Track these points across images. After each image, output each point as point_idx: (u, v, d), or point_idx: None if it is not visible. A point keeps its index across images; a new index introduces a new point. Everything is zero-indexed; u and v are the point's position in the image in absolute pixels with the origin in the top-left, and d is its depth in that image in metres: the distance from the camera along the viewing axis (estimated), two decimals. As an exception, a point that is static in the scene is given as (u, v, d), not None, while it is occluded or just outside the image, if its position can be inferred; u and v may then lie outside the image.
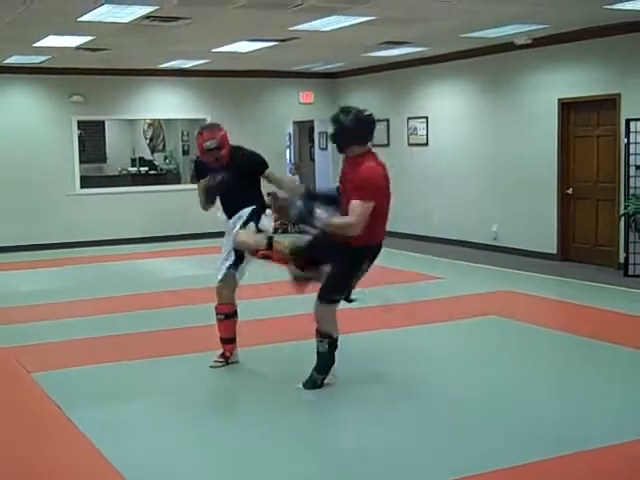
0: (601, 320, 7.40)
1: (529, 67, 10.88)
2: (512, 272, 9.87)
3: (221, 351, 5.90)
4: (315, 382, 5.34)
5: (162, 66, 12.92)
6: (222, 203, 5.91)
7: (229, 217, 5.86)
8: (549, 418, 4.76)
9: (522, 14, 8.71)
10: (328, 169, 15.42)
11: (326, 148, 15.59)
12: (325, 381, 5.37)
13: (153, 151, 18.11)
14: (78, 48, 10.32)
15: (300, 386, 5.34)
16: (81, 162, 13.53)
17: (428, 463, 4.16)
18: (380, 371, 5.77)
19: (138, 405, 5.18)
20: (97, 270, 10.90)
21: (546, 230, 10.70)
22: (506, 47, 10.77)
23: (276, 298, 8.01)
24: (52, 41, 9.71)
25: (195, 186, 5.96)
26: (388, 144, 13.74)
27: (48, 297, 8.81)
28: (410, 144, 13.25)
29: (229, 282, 5.79)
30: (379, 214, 5.06)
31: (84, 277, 10.35)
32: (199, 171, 6.00)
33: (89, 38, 9.58)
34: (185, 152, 16.90)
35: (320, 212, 5.07)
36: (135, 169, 16.94)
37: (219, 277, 5.80)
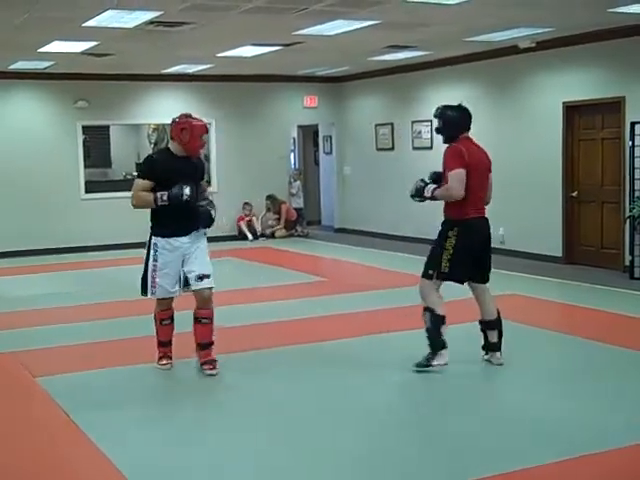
0: (607, 323, 7.39)
1: (533, 70, 10.87)
2: (517, 275, 9.85)
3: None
4: (426, 361, 5.61)
5: (166, 71, 12.95)
6: (176, 217, 5.59)
7: (186, 234, 5.65)
8: (554, 421, 4.74)
9: (526, 18, 8.71)
10: (332, 173, 15.44)
11: (331, 152, 15.60)
12: (435, 363, 5.60)
13: (158, 156, 18.10)
14: (83, 53, 10.35)
15: (414, 367, 5.60)
16: (86, 167, 13.58)
17: (433, 466, 4.15)
18: (386, 373, 5.76)
19: (144, 409, 5.18)
20: (102, 275, 10.91)
21: (551, 233, 10.68)
22: (510, 51, 10.78)
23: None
24: (57, 46, 9.75)
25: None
26: (392, 148, 13.75)
27: (53, 301, 8.81)
28: (414, 148, 13.24)
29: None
30: (475, 187, 5.74)
31: (89, 281, 10.36)
32: (153, 171, 5.59)
33: (94, 43, 9.61)
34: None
35: (431, 186, 5.86)
36: (140, 174, 16.93)
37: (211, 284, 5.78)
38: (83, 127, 13.42)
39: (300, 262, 11.34)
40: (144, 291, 5.84)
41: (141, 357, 6.35)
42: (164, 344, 5.92)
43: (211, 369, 5.71)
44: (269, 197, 14.45)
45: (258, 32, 9.22)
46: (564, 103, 10.40)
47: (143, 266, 5.81)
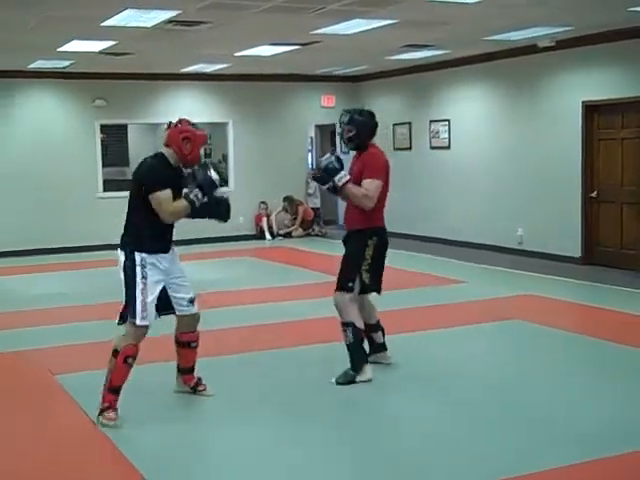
0: (626, 324, 7.33)
1: (552, 70, 10.81)
2: (536, 276, 9.80)
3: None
4: (351, 378, 5.41)
5: (184, 70, 12.98)
6: (166, 230, 5.17)
7: (168, 250, 5.17)
8: (574, 423, 4.71)
9: (545, 17, 8.66)
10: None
11: (348, 152, 15.56)
12: (358, 379, 5.42)
13: (175, 155, 18.17)
14: (101, 53, 10.39)
15: (332, 381, 5.41)
16: (104, 166, 13.62)
17: (463, 466, 4.14)
18: (403, 375, 5.74)
19: (162, 407, 5.18)
20: (120, 273, 10.92)
21: (570, 234, 10.61)
22: (529, 50, 10.71)
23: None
24: (76, 46, 9.78)
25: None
26: (410, 147, 13.71)
27: (72, 299, 8.86)
28: (432, 147, 13.20)
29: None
30: (382, 197, 5.58)
31: (108, 279, 10.33)
32: (164, 178, 5.02)
33: (112, 43, 9.64)
34: (207, 155, 16.92)
35: (345, 173, 5.45)
36: (157, 173, 16.98)
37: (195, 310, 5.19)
38: (101, 126, 13.48)
39: (319, 261, 11.35)
40: (132, 316, 4.97)
41: (160, 355, 6.35)
42: (117, 390, 4.86)
43: (205, 389, 5.35)
44: (286, 198, 14.45)
45: (276, 31, 9.22)
46: (583, 102, 10.33)
47: (125, 288, 5.14)
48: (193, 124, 5.21)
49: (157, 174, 5.01)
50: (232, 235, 13.70)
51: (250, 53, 10.89)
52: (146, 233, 5.06)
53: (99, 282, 10.22)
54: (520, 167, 11.50)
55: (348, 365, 5.49)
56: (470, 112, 12.40)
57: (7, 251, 12.41)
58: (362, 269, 5.46)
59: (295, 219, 14.55)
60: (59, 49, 10.04)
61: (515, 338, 6.91)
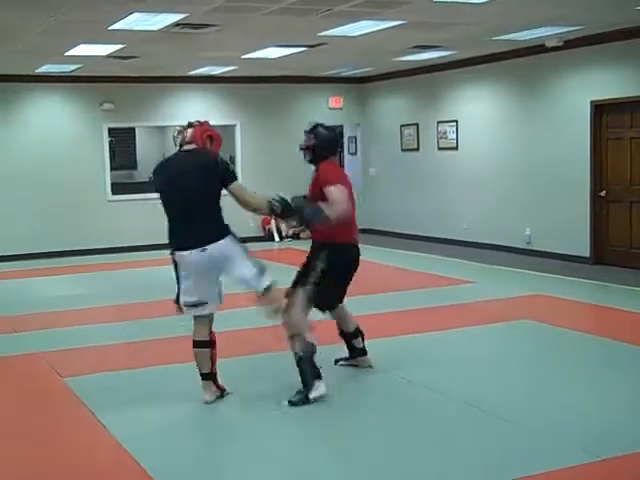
0: (636, 324, 7.31)
1: (561, 69, 10.78)
2: (545, 276, 9.77)
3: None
4: (303, 397, 5.07)
5: (192, 73, 13.00)
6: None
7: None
8: (584, 422, 4.70)
9: (554, 16, 8.63)
10: (357, 174, 15.41)
11: (356, 153, 15.57)
12: (312, 396, 5.07)
13: (183, 157, 18.20)
14: (109, 56, 10.41)
15: (288, 405, 5.07)
16: (112, 169, 13.65)
17: (478, 466, 4.13)
18: (413, 375, 5.73)
19: (171, 410, 5.18)
20: (129, 276, 10.97)
21: (579, 233, 10.58)
22: (537, 49, 10.69)
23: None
24: (83, 50, 9.80)
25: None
26: (418, 148, 13.69)
27: (80, 302, 8.88)
28: (440, 148, 13.18)
29: None
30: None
31: (116, 283, 10.42)
32: None
33: (119, 46, 9.66)
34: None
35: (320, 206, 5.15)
36: (165, 175, 17.01)
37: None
38: (109, 129, 13.51)
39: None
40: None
41: (168, 358, 6.37)
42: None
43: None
44: (293, 199, 14.41)
45: (283, 33, 9.22)
46: (592, 102, 10.30)
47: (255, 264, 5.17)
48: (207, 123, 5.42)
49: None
50: (241, 237, 13.68)
51: (257, 55, 10.90)
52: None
53: (109, 285, 10.27)
54: (529, 167, 11.48)
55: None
56: (478, 113, 12.38)
57: (18, 254, 12.44)
58: (310, 282, 5.23)
59: (302, 220, 14.53)
60: (66, 53, 10.06)
61: (524, 338, 6.89)
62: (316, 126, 5.64)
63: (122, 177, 15.91)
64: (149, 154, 17.96)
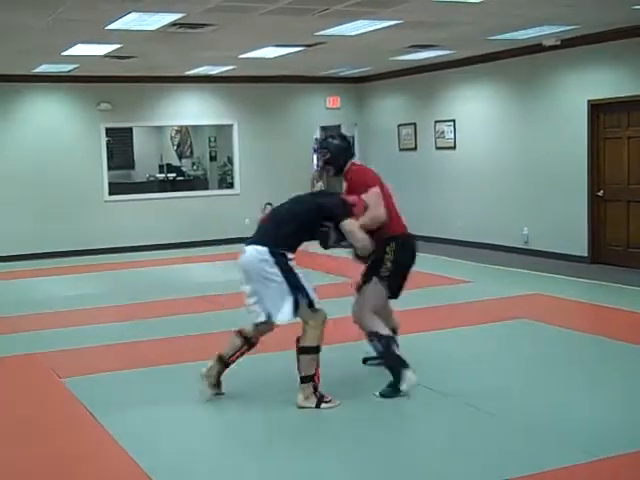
0: (633, 323, 7.31)
1: (558, 69, 10.79)
2: (542, 275, 9.78)
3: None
4: (392, 393, 5.20)
5: (189, 73, 12.99)
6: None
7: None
8: (581, 422, 4.70)
9: (551, 16, 8.64)
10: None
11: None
12: (404, 387, 5.18)
13: (181, 157, 18.22)
14: (106, 56, 10.40)
15: (377, 396, 5.20)
16: (109, 169, 13.63)
17: (454, 467, 4.13)
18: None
19: (170, 410, 5.18)
20: (126, 276, 10.96)
21: (577, 233, 10.59)
22: (534, 49, 10.69)
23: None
24: (80, 49, 9.79)
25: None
26: (415, 148, 13.70)
27: (78, 303, 8.87)
28: (437, 148, 13.19)
29: None
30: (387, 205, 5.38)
31: (114, 283, 10.42)
32: None
33: (117, 46, 9.65)
34: (212, 158, 16.96)
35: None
36: (163, 175, 17.04)
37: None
38: (106, 129, 13.49)
39: (324, 262, 11.33)
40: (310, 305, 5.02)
41: (166, 358, 6.37)
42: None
43: None
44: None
45: (280, 33, 9.22)
46: (589, 101, 10.30)
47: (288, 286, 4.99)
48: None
49: None
50: (238, 237, 13.70)
51: (255, 55, 10.90)
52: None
53: (107, 285, 10.27)
54: (526, 166, 11.49)
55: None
56: (475, 112, 12.39)
57: (14, 255, 12.44)
58: (381, 275, 5.34)
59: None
60: (63, 53, 10.05)
61: (522, 338, 6.90)
62: (324, 139, 5.67)
63: (119, 177, 15.89)
64: (147, 154, 17.98)
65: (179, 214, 13.49)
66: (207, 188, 15.99)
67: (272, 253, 4.97)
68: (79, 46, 9.57)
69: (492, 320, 7.38)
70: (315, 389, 5.05)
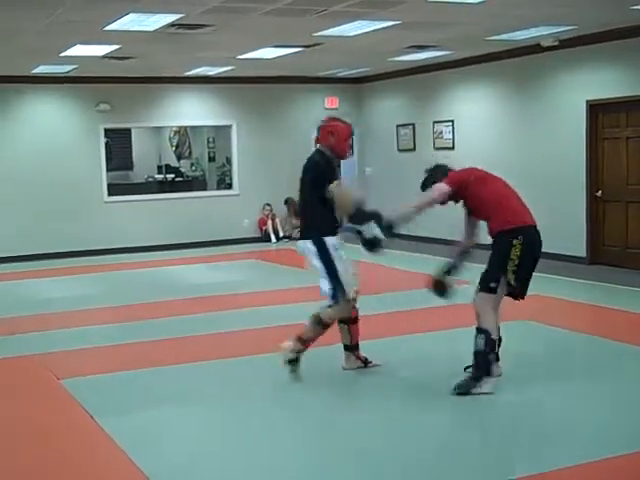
0: (632, 324, 7.31)
1: (556, 69, 10.79)
2: (541, 276, 9.69)
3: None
4: (467, 387, 5.19)
5: (188, 73, 12.99)
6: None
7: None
8: (580, 422, 4.71)
9: (549, 16, 8.65)
10: (353, 174, 15.40)
11: (352, 153, 15.56)
12: (474, 391, 5.16)
13: (179, 158, 18.21)
14: (104, 57, 10.40)
15: (453, 390, 5.21)
16: (108, 170, 13.63)
17: (454, 467, 4.13)
18: (410, 375, 5.73)
19: (168, 411, 5.18)
20: (124, 277, 10.96)
21: (575, 233, 10.59)
22: (532, 49, 10.70)
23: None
24: (79, 50, 9.79)
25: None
26: (414, 148, 13.70)
27: (77, 304, 8.87)
28: (436, 148, 13.19)
29: None
30: (502, 195, 5.94)
31: (112, 284, 10.41)
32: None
33: (115, 47, 9.65)
34: (211, 159, 16.96)
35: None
36: (161, 176, 17.04)
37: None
38: (105, 130, 13.48)
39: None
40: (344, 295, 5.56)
41: (164, 359, 6.37)
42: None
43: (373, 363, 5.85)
44: (286, 201, 14.40)
45: (279, 34, 9.22)
46: (588, 101, 10.31)
47: (327, 274, 5.57)
48: (337, 119, 5.83)
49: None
50: (237, 238, 13.71)
51: (253, 56, 10.90)
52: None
53: (105, 286, 10.26)
54: (524, 166, 11.48)
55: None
56: (474, 112, 12.39)
57: (13, 256, 12.44)
58: (508, 269, 5.38)
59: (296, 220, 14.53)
60: (62, 54, 10.05)
61: (521, 338, 6.88)
62: (429, 172, 6.20)
63: (118, 178, 15.89)
64: (145, 155, 17.97)
65: (178, 215, 13.48)
66: (206, 189, 15.99)
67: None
68: (78, 47, 9.57)
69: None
70: (300, 350, 5.51)
